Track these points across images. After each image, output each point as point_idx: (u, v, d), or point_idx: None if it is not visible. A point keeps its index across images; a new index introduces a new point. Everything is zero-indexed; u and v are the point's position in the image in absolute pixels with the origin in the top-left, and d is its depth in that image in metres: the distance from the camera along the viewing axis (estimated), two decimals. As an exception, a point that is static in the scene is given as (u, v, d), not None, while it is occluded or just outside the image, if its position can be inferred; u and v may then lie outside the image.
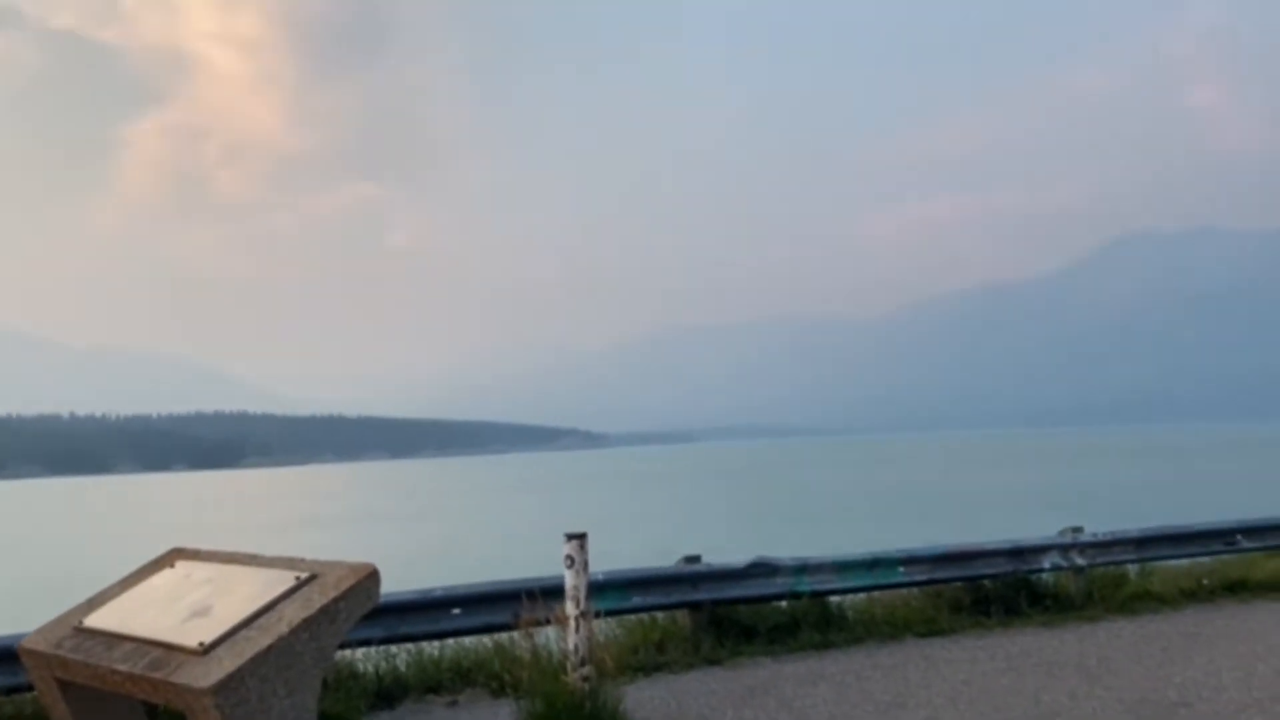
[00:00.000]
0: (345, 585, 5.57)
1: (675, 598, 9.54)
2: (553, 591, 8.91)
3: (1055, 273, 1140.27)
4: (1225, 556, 12.55)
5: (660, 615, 9.80)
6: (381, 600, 7.84)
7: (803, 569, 10.11)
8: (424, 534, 57.44)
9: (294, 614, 5.36)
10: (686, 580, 9.61)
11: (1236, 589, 11.75)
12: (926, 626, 10.13)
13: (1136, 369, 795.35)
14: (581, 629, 6.26)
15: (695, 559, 9.83)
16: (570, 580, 6.30)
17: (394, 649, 8.57)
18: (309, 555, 6.10)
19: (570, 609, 6.30)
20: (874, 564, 10.44)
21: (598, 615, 8.79)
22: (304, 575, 5.71)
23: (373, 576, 5.67)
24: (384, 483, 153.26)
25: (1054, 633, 9.95)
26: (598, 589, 8.90)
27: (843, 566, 10.30)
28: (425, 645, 8.76)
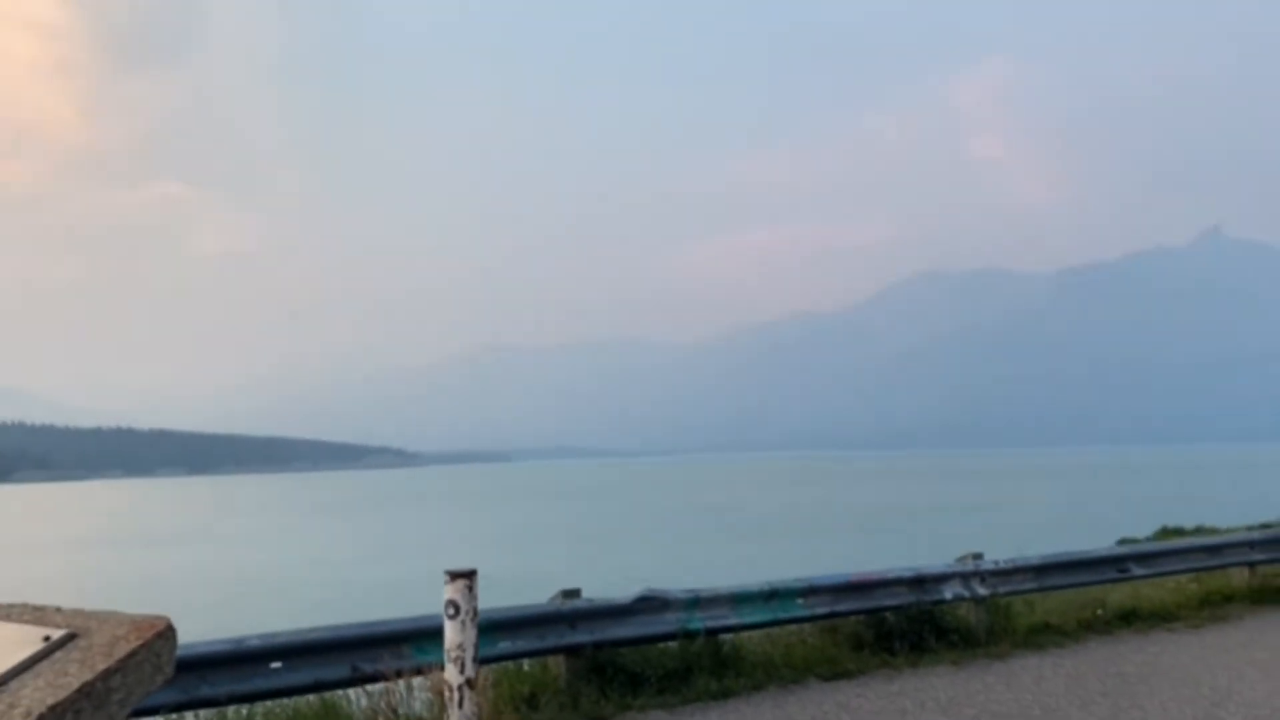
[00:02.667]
0: (123, 650, 3.68)
1: (550, 641, 7.91)
2: (403, 638, 7.17)
3: (858, 305, 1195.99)
4: (1108, 585, 11.94)
5: (529, 663, 8.15)
6: (178, 653, 5.93)
7: (695, 603, 8.69)
8: (225, 562, 53.05)
9: (37, 697, 3.46)
10: (563, 619, 8.00)
11: (1130, 619, 11.12)
12: (830, 668, 8.88)
13: (931, 398, 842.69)
14: (467, 703, 4.51)
15: (574, 593, 8.24)
16: (453, 634, 4.57)
17: (191, 718, 6.57)
18: (71, 595, 4.16)
19: (452, 674, 4.53)
20: (771, 595, 9.14)
21: (435, 668, 7.11)
22: (58, 634, 3.77)
23: (164, 636, 3.80)
24: (176, 501, 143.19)
25: (970, 673, 8.89)
26: (457, 632, 7.23)
27: (739, 599, 8.94)
28: (235, 711, 6.80)
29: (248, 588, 40.36)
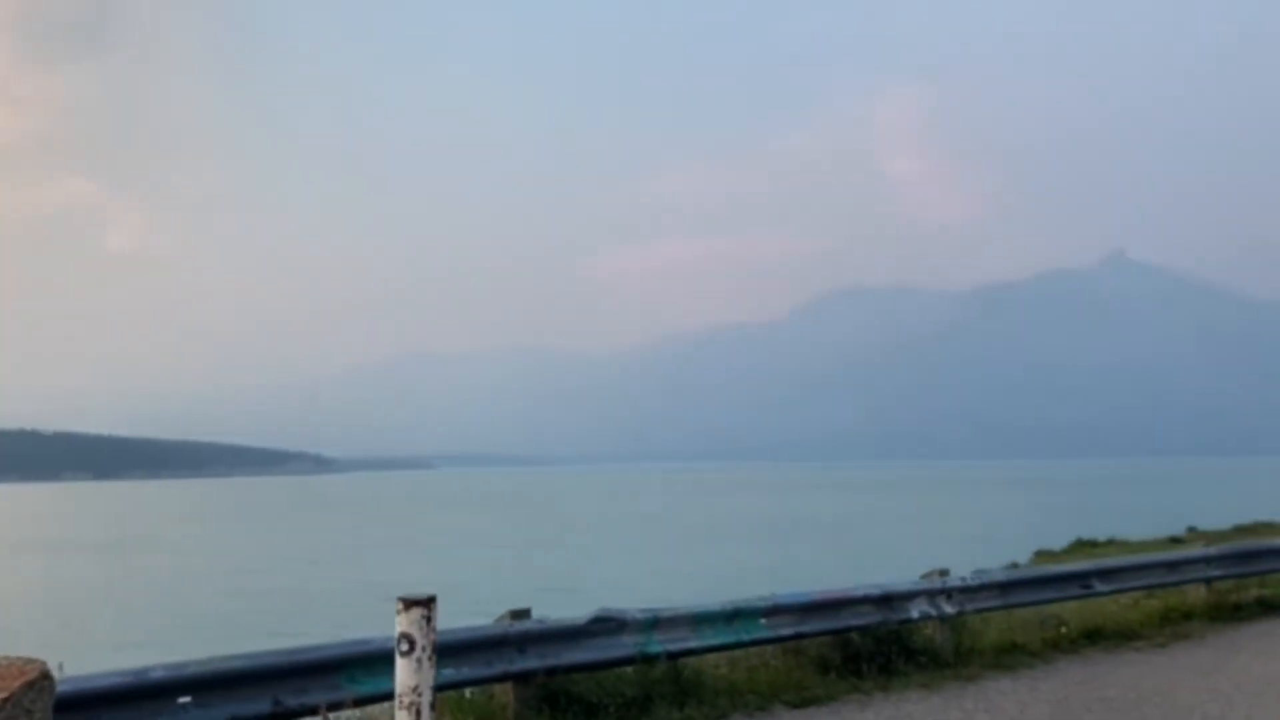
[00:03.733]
0: (-15, 707, 2.88)
1: (498, 667, 7.12)
2: (335, 666, 6.33)
3: (780, 318, 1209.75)
4: (1069, 602, 11.56)
5: (473, 691, 7.34)
6: (66, 688, 5.01)
7: (654, 624, 7.98)
8: (126, 575, 50.62)
9: None
10: (511, 643, 7.22)
11: (1094, 637, 10.74)
12: (797, 694, 8.24)
13: (850, 411, 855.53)
14: (424, 756, 3.72)
15: (523, 614, 7.45)
16: (407, 674, 3.76)
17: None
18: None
19: (404, 721, 3.72)
20: (734, 616, 8.47)
21: (375, 700, 6.29)
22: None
23: (36, 685, 3.00)
24: (81, 507, 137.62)
25: (945, 698, 8.33)
26: (389, 660, 6.40)
27: (699, 620, 8.26)
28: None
29: (144, 602, 38.48)
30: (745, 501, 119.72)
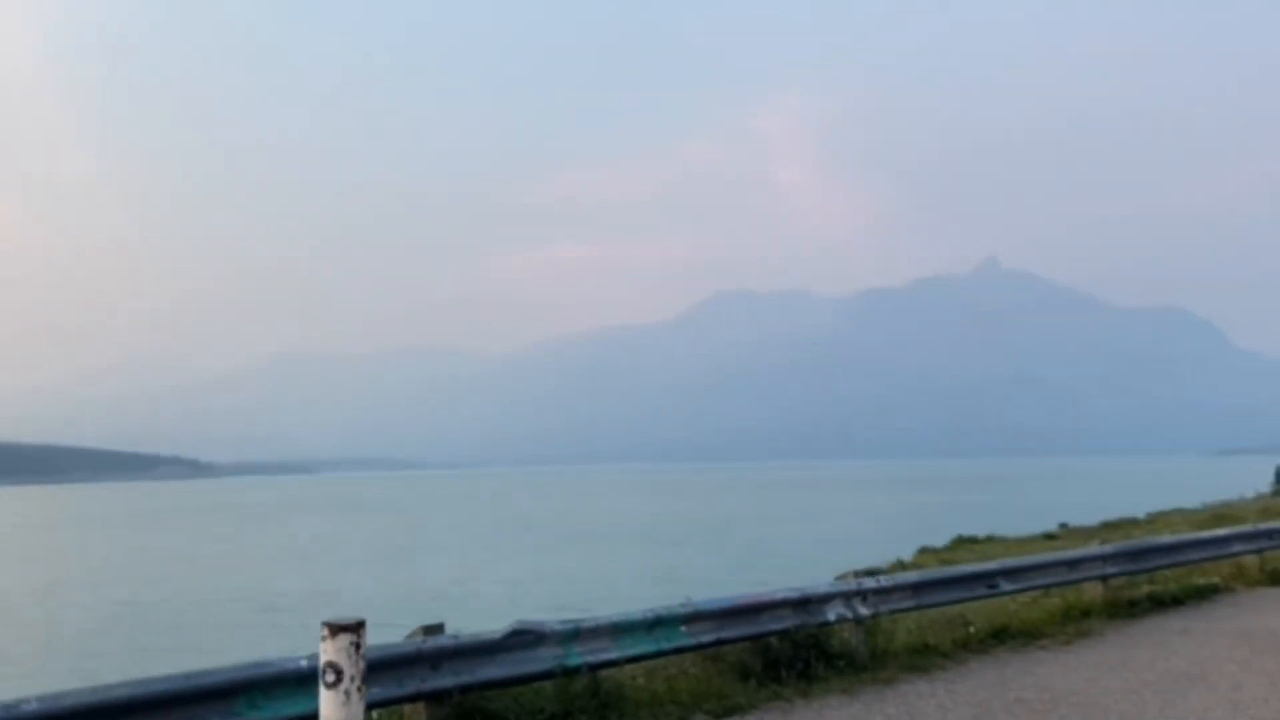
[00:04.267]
0: None
1: (409, 687, 6.68)
2: (232, 691, 5.83)
3: (670, 321, 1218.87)
4: (976, 602, 11.65)
5: (381, 713, 6.89)
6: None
7: (574, 635, 7.65)
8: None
9: None
10: (424, 660, 6.79)
11: (1001, 636, 10.83)
12: (719, 703, 8.01)
13: (739, 411, 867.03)
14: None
15: (436, 629, 7.03)
16: (334, 709, 3.35)
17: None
18: None
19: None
20: (655, 624, 8.20)
21: None
22: None
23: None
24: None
25: (865, 703, 8.21)
26: (298, 681, 5.93)
27: (620, 629, 7.96)
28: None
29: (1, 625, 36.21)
30: (633, 503, 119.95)
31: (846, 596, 9.67)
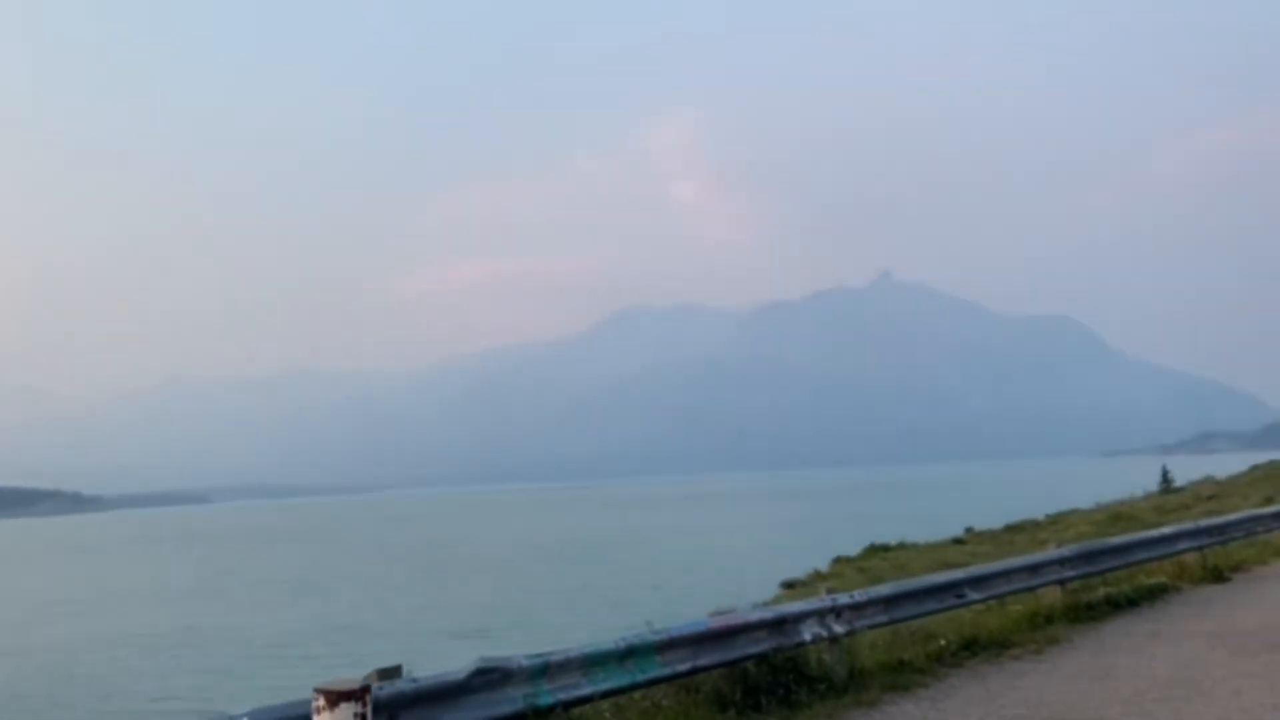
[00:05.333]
0: None
1: (366, 741, 5.79)
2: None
3: (570, 339, 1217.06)
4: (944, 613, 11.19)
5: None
6: None
7: (543, 671, 6.86)
8: None
9: None
10: (381, 709, 5.91)
11: (972, 648, 10.38)
12: (700, 738, 7.30)
13: (640, 428, 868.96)
14: None
15: (393, 672, 6.15)
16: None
17: None
18: None
19: None
20: (628, 654, 7.45)
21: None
22: None
23: None
24: None
25: (856, 730, 7.60)
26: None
27: (592, 661, 7.19)
28: None
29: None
30: (535, 523, 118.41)
31: (821, 614, 9.08)
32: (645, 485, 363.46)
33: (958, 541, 39.76)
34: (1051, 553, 12.43)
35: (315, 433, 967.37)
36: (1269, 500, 36.31)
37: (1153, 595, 13.32)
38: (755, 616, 8.54)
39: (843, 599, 9.31)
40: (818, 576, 33.07)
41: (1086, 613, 12.12)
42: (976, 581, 11.04)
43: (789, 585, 31.65)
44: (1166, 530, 14.98)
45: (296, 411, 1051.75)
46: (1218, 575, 14.91)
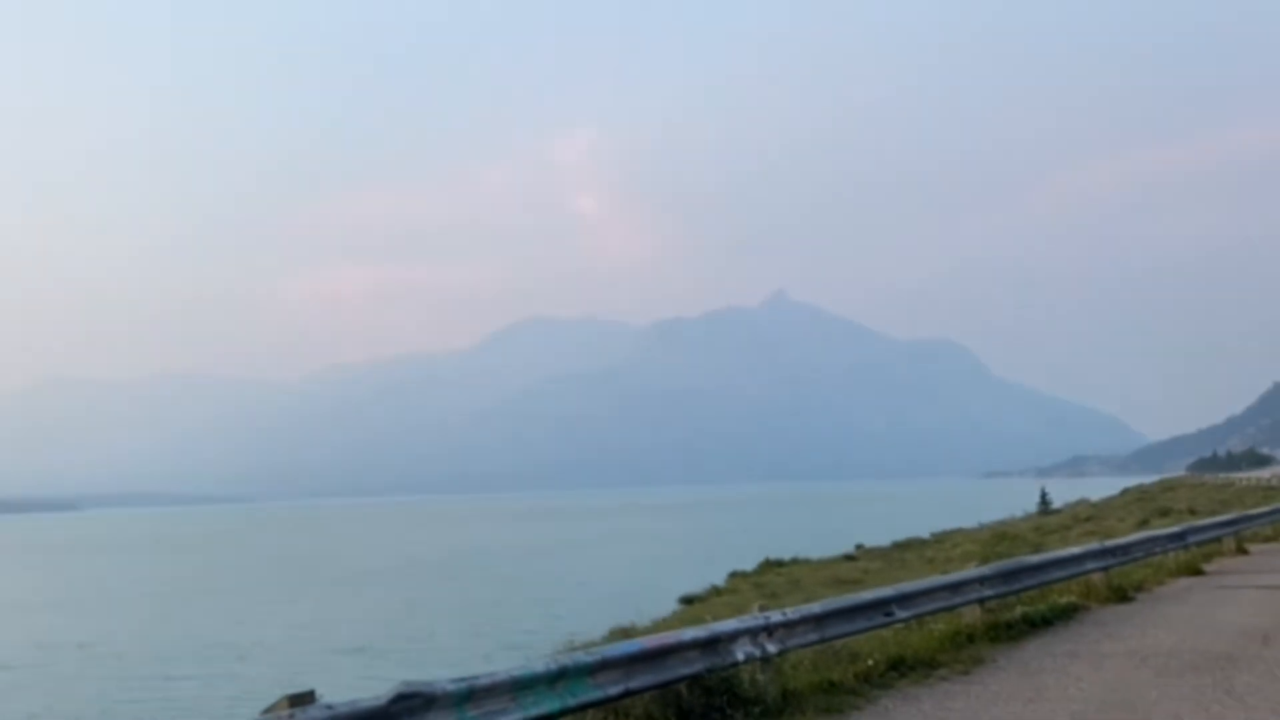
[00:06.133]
0: None
1: (276, 778, 5.15)
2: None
3: (467, 349, 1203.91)
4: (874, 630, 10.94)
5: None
6: None
7: (468, 696, 6.28)
8: None
9: None
10: (291, 741, 5.27)
11: (899, 667, 10.13)
12: (634, 766, 6.82)
13: (533, 440, 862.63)
14: None
15: (305, 697, 5.51)
16: None
17: None
18: None
19: None
20: (559, 677, 6.92)
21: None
22: None
23: None
24: None
25: (796, 756, 7.21)
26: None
27: (521, 685, 6.64)
28: None
29: None
30: (420, 536, 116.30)
31: (754, 633, 8.71)
32: (538, 499, 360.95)
33: (849, 558, 40.25)
34: (971, 571, 12.33)
35: (197, 440, 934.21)
36: (1144, 523, 37.73)
37: (1065, 615, 13.35)
38: (688, 635, 8.10)
39: (776, 616, 8.96)
40: (715, 592, 32.96)
41: (1006, 632, 12.03)
42: (904, 600, 10.83)
43: (687, 601, 31.45)
44: (1075, 550, 15.11)
45: (179, 418, 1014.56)
46: (1122, 595, 15.09)
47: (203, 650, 33.72)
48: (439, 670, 27.82)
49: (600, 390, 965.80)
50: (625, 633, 20.23)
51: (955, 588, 11.82)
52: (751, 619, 8.80)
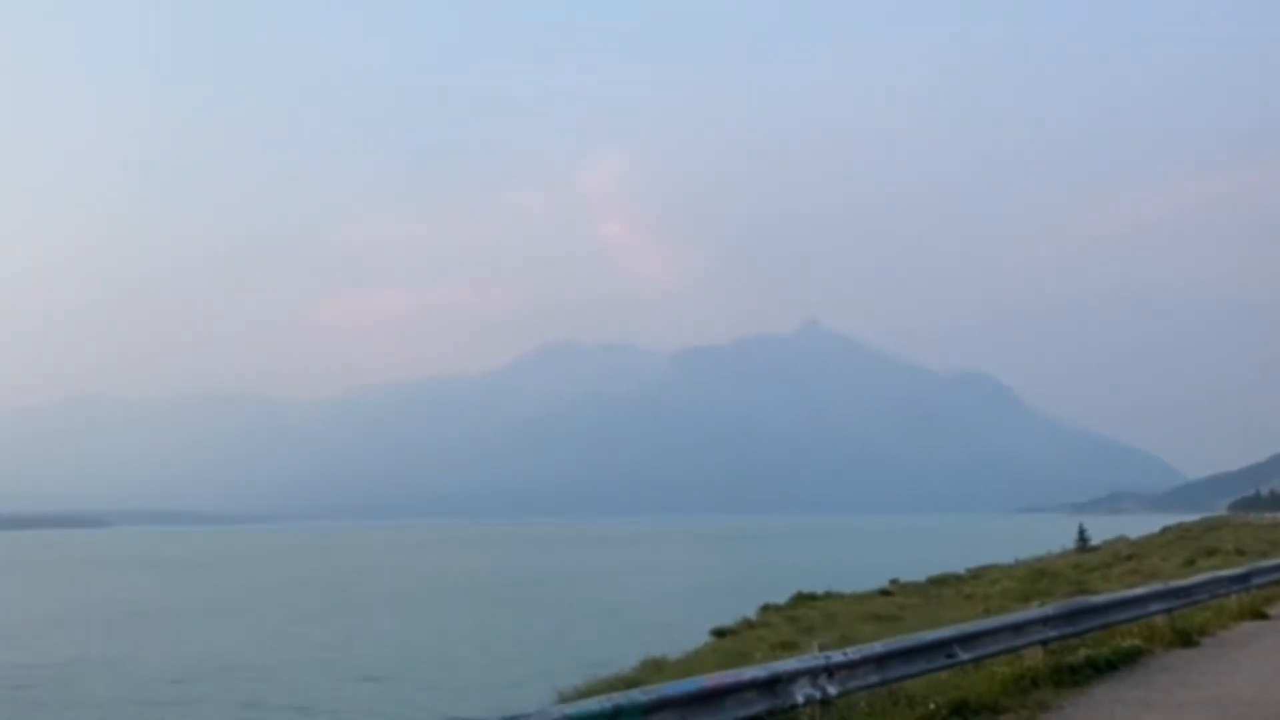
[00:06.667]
0: None
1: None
2: None
3: (494, 372, 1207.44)
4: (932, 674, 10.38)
5: None
6: None
7: (524, 739, 5.84)
8: None
9: None
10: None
11: (963, 712, 9.60)
12: (693, 818, 6.33)
13: (559, 466, 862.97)
14: None
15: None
16: None
17: None
18: None
19: None
20: (613, 716, 6.47)
21: None
22: None
23: None
24: None
25: (867, 810, 6.69)
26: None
27: (577, 726, 6.20)
28: None
29: None
30: (448, 560, 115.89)
31: (814, 674, 8.21)
32: (564, 525, 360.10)
33: (884, 593, 39.37)
34: (1034, 611, 11.77)
35: (225, 459, 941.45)
36: (1190, 562, 36.71)
37: (1129, 658, 12.72)
38: (747, 675, 7.63)
39: (836, 656, 8.46)
40: (747, 625, 32.25)
41: (1070, 676, 11.43)
42: (965, 640, 10.28)
43: (719, 633, 30.79)
44: (1140, 591, 14.47)
45: (207, 437, 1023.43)
46: (1186, 639, 14.40)
47: (221, 672, 33.54)
48: (469, 701, 27.39)
49: (627, 416, 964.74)
50: (657, 664, 19.69)
51: (1018, 628, 11.26)
52: (812, 659, 8.31)
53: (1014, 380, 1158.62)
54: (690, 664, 18.81)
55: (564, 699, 17.13)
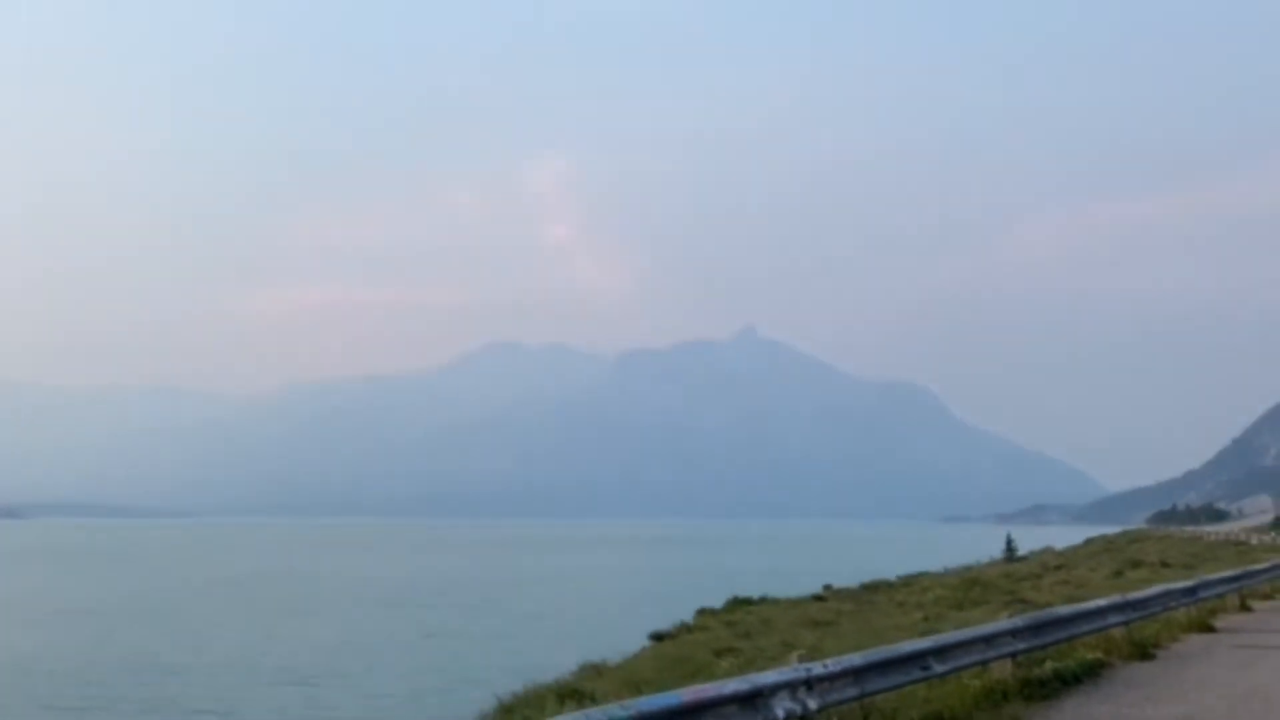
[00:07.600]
0: None
1: None
2: None
3: (433, 371, 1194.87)
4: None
5: None
6: None
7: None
8: None
9: None
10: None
11: (938, 726, 9.22)
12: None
13: (493, 466, 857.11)
14: None
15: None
16: None
17: None
18: None
19: None
20: (592, 735, 5.93)
21: None
22: None
23: None
24: None
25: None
26: None
27: (552, 747, 5.64)
28: None
29: None
30: (378, 561, 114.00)
31: (793, 687, 7.75)
32: (498, 526, 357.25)
33: (818, 598, 39.31)
34: (1004, 623, 11.46)
35: (151, 451, 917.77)
36: (1118, 574, 37.22)
37: (1092, 671, 12.52)
38: (728, 689, 7.13)
39: (817, 668, 8.02)
40: (685, 629, 31.90)
41: (1039, 689, 11.15)
42: (940, 653, 9.92)
43: (658, 637, 30.37)
44: (1101, 603, 14.30)
45: (135, 428, 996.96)
46: (1143, 652, 14.29)
47: (137, 672, 32.39)
48: (404, 707, 26.52)
49: (564, 418, 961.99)
50: (596, 669, 19.24)
51: (989, 640, 10.94)
52: (791, 671, 7.85)
53: (944, 391, 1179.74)
54: (629, 668, 18.37)
55: (503, 705, 16.56)
